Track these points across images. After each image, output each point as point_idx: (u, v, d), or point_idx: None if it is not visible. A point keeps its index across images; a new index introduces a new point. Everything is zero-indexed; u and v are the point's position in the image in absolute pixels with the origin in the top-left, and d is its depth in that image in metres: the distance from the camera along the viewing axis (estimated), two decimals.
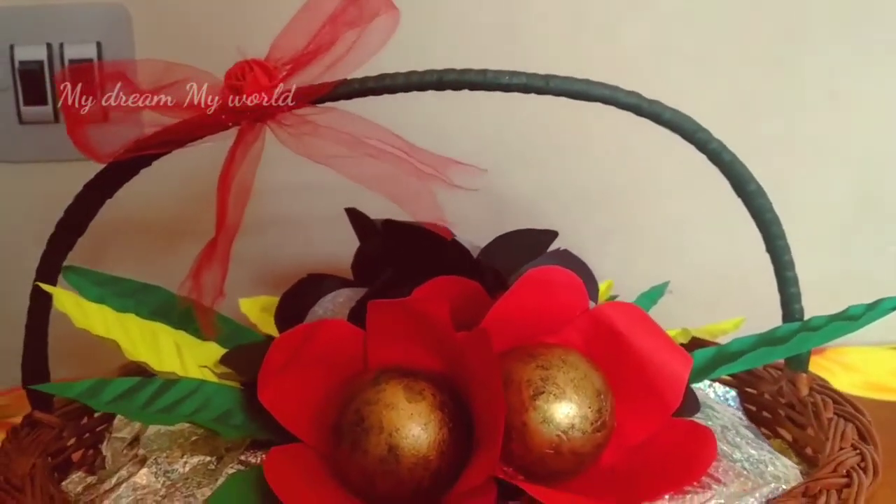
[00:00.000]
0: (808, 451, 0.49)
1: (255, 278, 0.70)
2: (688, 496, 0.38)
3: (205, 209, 0.44)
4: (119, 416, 0.48)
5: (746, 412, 0.52)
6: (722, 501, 0.37)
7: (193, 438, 0.44)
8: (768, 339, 0.47)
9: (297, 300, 0.52)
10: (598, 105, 0.41)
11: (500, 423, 0.36)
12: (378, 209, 0.49)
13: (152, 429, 0.44)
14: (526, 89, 0.41)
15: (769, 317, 0.49)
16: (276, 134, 0.41)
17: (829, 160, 0.73)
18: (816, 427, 0.45)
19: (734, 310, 0.66)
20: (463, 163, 0.42)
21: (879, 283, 0.61)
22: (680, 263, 0.73)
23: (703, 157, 0.44)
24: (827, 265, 0.72)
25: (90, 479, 0.45)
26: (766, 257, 0.47)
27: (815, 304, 0.49)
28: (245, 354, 0.48)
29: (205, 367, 0.46)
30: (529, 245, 0.50)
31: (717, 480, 0.39)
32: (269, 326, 0.55)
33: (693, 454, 0.39)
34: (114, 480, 0.42)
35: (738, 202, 0.46)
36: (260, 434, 0.43)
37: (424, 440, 0.38)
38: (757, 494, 0.38)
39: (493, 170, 0.46)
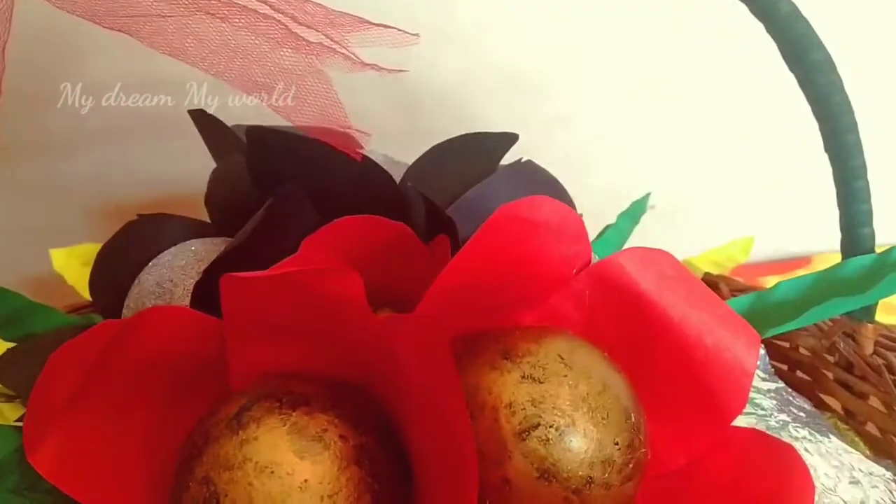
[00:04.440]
0: (872, 428, 0.35)
1: (76, 216, 0.49)
2: None
3: None
4: None
5: (777, 372, 0.38)
6: None
7: None
8: (833, 282, 0.32)
9: (122, 258, 0.33)
10: None
11: (472, 487, 0.19)
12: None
13: None
14: None
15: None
16: None
17: None
18: None
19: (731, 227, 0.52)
20: (380, 24, 0.24)
21: None
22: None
23: None
24: None
25: None
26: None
27: None
28: (25, 359, 0.30)
29: None
30: (475, 157, 0.33)
31: None
32: None
33: (777, 488, 0.24)
34: None
35: None
36: None
37: None
38: None
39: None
